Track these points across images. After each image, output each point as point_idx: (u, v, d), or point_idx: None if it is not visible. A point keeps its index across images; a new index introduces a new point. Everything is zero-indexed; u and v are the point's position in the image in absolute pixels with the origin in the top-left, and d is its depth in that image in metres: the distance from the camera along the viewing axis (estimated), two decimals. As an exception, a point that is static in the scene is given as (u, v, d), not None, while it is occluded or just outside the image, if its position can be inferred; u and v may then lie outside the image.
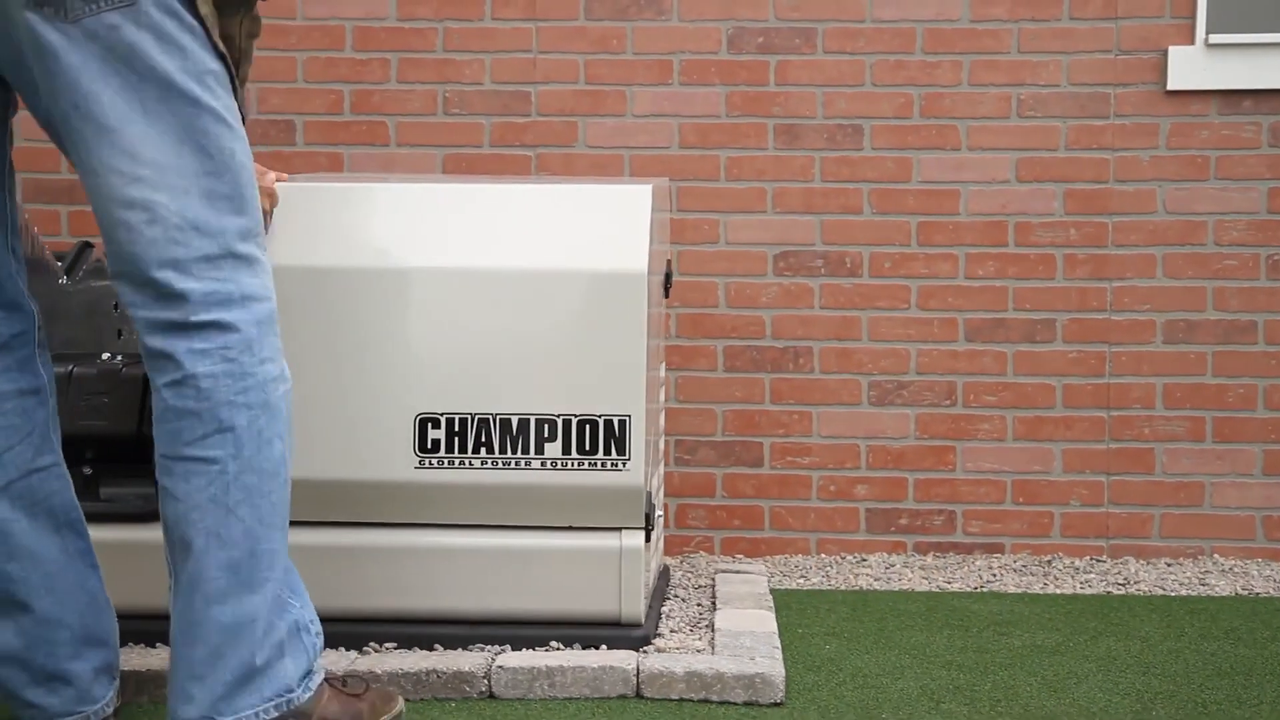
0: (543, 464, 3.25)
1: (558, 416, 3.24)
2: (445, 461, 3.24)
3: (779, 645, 3.30)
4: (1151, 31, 4.52)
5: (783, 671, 3.11)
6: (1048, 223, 4.58)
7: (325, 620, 3.25)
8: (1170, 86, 4.51)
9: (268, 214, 3.16)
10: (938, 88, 4.61)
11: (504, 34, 4.66)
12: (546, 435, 3.24)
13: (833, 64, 4.62)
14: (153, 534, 3.22)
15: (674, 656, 3.19)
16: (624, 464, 3.24)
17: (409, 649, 3.26)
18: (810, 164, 4.63)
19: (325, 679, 2.73)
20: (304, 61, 4.68)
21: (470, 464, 3.24)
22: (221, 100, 2.56)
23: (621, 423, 3.24)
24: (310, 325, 3.24)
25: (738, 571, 4.05)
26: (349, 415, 3.23)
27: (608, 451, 3.24)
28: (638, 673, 3.10)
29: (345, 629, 3.26)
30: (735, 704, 3.07)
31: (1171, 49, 4.50)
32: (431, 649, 3.26)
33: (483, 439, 3.24)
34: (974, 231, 4.60)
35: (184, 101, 2.51)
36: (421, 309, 3.25)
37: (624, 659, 3.14)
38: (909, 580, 4.30)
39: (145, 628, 3.28)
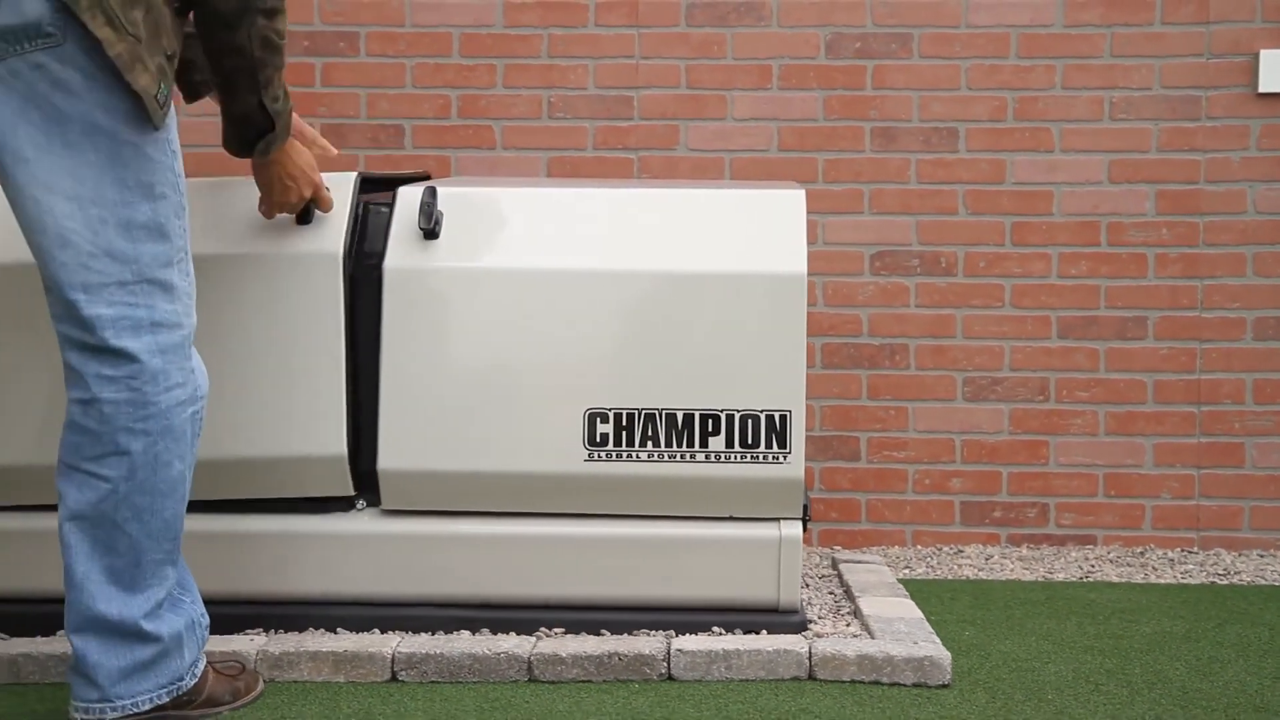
0: (706, 457, 3.35)
1: (721, 411, 3.35)
2: (613, 454, 3.34)
3: (933, 630, 3.42)
4: (1242, 35, 4.65)
5: (948, 655, 3.23)
6: (1139, 223, 4.70)
7: (497, 607, 3.40)
8: (1261, 89, 4.63)
9: (319, 197, 3.29)
10: (1032, 91, 4.72)
11: (607, 40, 4.77)
12: (710, 429, 3.35)
13: (929, 68, 4.73)
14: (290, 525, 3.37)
15: (841, 640, 3.30)
16: (785, 457, 3.35)
17: (576, 634, 3.36)
18: (906, 166, 4.75)
19: (207, 663, 2.99)
20: (413, 67, 4.78)
21: (637, 457, 3.34)
22: (143, 133, 2.70)
23: (782, 417, 3.34)
24: (483, 325, 3.34)
25: (859, 561, 4.16)
26: (522, 410, 3.33)
27: (769, 445, 3.34)
28: (810, 656, 3.21)
29: (517, 615, 3.37)
30: (904, 686, 3.19)
31: (1263, 52, 4.62)
32: (598, 634, 3.36)
33: (649, 432, 3.34)
34: (1067, 231, 4.72)
35: (103, 136, 2.67)
36: (590, 309, 3.35)
37: (794, 643, 3.25)
38: (1011, 571, 4.41)
39: (290, 613, 3.44)
